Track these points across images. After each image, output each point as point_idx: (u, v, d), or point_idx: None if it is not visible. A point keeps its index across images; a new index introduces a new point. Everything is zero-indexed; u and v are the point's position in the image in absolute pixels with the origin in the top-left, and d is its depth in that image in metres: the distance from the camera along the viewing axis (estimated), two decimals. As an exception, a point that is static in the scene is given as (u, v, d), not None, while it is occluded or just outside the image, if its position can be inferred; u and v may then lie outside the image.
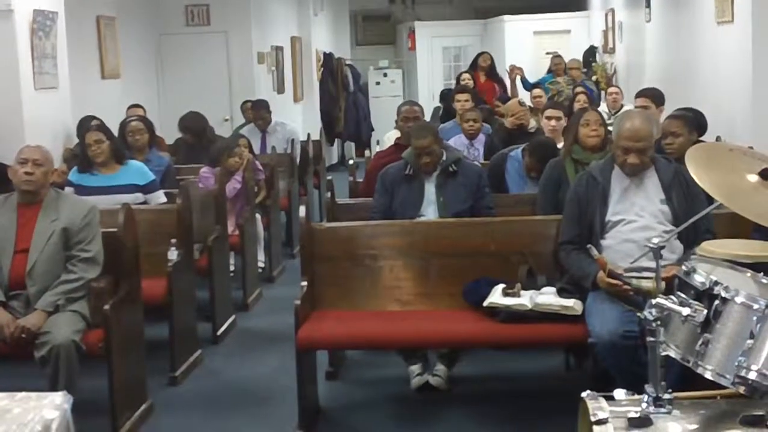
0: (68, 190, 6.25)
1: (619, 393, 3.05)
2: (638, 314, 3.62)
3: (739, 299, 2.77)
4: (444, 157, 5.48)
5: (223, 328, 6.38)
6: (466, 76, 10.77)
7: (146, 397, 4.94)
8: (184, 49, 11.92)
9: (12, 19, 6.99)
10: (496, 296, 4.50)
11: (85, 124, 7.81)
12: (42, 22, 7.32)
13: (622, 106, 9.80)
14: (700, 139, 5.72)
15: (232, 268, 7.21)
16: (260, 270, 7.74)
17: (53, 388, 4.23)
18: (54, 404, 2.80)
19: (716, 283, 2.87)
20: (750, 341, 2.69)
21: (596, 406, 2.91)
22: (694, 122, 5.74)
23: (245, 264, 7.18)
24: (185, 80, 11.74)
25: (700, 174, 3.28)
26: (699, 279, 2.93)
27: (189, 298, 5.77)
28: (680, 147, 5.26)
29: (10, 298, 4.52)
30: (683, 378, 3.23)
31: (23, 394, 2.95)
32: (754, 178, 3.25)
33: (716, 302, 2.82)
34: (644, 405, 2.89)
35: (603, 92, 11.84)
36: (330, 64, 16.04)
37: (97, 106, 8.67)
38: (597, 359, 4.42)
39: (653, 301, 2.93)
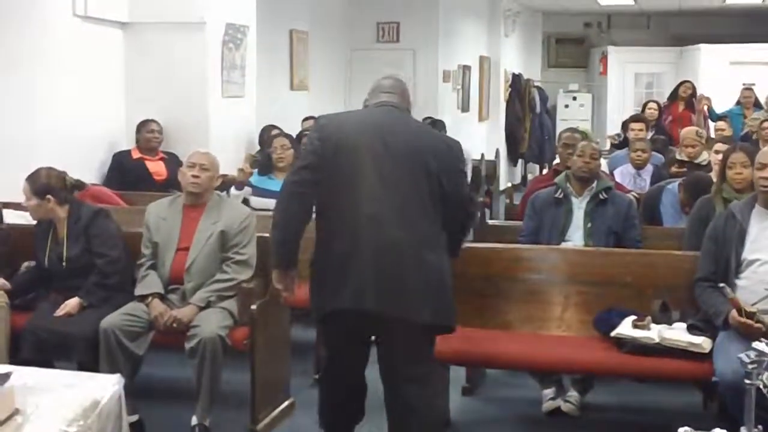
0: (247, 190, 6.70)
1: (718, 432, 3.10)
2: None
3: None
4: (595, 184, 5.56)
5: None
6: (653, 105, 10.64)
7: (288, 395, 5.22)
8: (373, 64, 12.25)
9: (204, 30, 7.51)
10: (625, 327, 4.54)
11: (267, 133, 8.28)
12: (233, 35, 7.81)
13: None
14: None
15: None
16: None
17: (199, 378, 4.62)
18: (104, 385, 3.19)
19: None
20: None
21: (690, 442, 2.99)
22: None
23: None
24: (372, 95, 12.12)
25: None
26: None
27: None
28: None
29: (169, 292, 4.91)
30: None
31: (86, 374, 3.44)
32: None
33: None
34: (737, 447, 2.94)
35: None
36: (518, 85, 16.15)
37: (284, 116, 9.13)
38: (722, 399, 4.39)
39: (753, 344, 2.97)
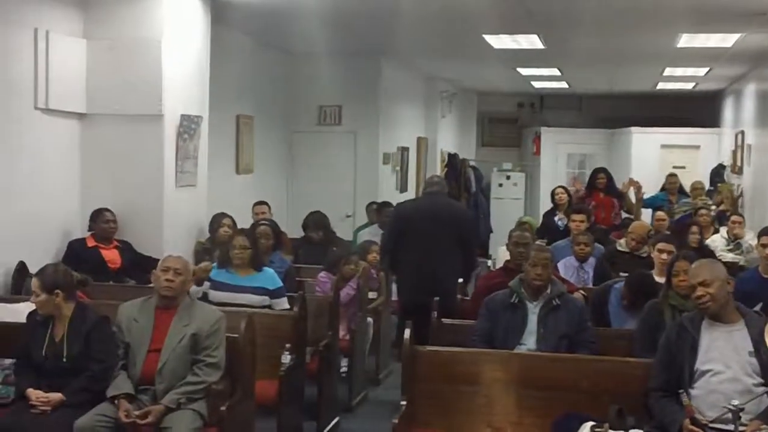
0: (206, 284, 6.67)
1: None
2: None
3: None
4: (549, 290, 5.78)
5: (328, 428, 6.75)
6: (561, 190, 10.54)
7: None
8: (315, 146, 12.54)
9: (161, 122, 7.66)
10: (584, 433, 4.75)
11: (218, 220, 8.38)
12: (187, 126, 7.96)
13: (740, 236, 9.36)
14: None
15: (345, 369, 7.60)
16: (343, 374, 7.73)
17: (170, 481, 4.69)
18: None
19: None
20: None
21: None
22: None
23: (353, 366, 7.53)
24: (314, 177, 12.36)
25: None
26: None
27: (297, 398, 6.18)
28: None
29: (140, 392, 5.00)
30: None
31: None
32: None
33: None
34: None
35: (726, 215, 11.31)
36: (454, 164, 16.50)
37: (230, 200, 9.27)
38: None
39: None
